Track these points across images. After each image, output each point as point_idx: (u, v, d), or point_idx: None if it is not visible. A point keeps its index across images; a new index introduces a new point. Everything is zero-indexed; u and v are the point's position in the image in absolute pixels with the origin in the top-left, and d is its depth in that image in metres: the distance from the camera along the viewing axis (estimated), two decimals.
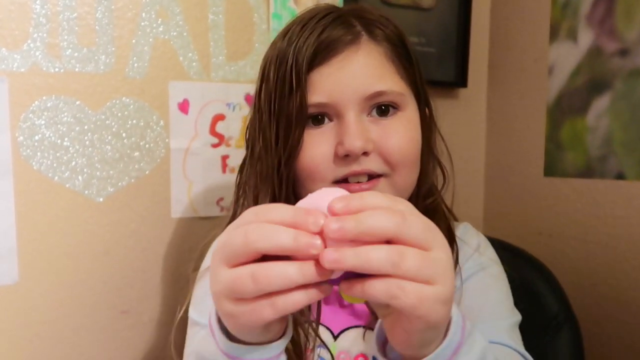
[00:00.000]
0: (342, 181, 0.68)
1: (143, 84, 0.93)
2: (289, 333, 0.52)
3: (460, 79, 1.23)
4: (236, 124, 1.00)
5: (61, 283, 0.90)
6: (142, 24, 0.92)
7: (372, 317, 0.69)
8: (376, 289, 0.42)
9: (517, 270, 0.75)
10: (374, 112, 0.68)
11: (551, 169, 1.13)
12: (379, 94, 0.67)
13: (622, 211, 1.00)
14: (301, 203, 0.45)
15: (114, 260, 0.93)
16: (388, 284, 0.41)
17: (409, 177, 0.68)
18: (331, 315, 0.70)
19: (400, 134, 0.68)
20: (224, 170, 1.00)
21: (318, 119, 0.68)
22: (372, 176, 0.68)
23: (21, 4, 0.84)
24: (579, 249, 1.08)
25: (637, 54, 0.96)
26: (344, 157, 0.66)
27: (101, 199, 0.92)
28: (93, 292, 0.92)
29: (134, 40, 0.92)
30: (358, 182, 0.67)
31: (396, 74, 0.69)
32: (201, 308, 0.69)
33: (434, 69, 1.21)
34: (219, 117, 0.99)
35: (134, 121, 0.93)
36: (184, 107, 0.96)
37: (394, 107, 0.68)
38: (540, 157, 1.15)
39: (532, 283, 0.91)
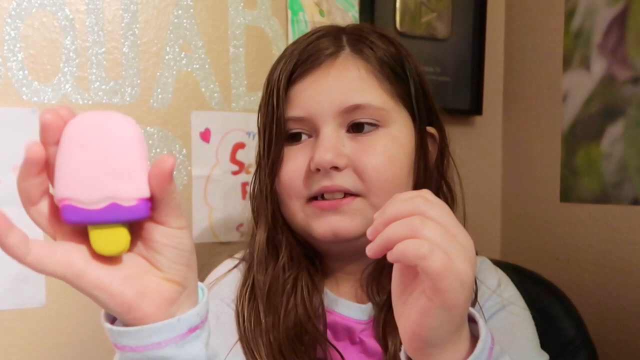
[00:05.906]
0: (317, 198, 0.65)
1: (167, 115, 0.97)
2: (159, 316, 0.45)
3: (476, 107, 1.25)
4: (255, 152, 1.03)
5: (86, 305, 0.92)
6: (167, 57, 0.96)
7: (384, 355, 0.66)
8: (408, 246, 0.43)
9: (534, 296, 0.76)
10: (353, 129, 0.65)
11: (567, 195, 1.14)
12: (356, 107, 0.64)
13: (638, 236, 1.00)
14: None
15: None
16: (421, 243, 0.42)
17: (388, 198, 0.63)
18: (341, 351, 0.67)
19: (378, 151, 0.64)
20: (243, 197, 1.02)
21: (297, 136, 0.66)
22: (348, 194, 0.64)
23: (52, 40, 0.89)
24: (595, 273, 1.08)
25: None
26: (317, 172, 0.63)
27: None
28: None
29: (158, 73, 0.96)
30: (334, 199, 0.64)
31: (379, 88, 0.65)
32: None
33: (449, 98, 1.23)
34: (240, 146, 1.02)
35: (158, 150, 0.96)
36: (205, 136, 1.00)
37: (372, 125, 0.64)
38: (556, 183, 1.16)
39: (548, 308, 0.91)
